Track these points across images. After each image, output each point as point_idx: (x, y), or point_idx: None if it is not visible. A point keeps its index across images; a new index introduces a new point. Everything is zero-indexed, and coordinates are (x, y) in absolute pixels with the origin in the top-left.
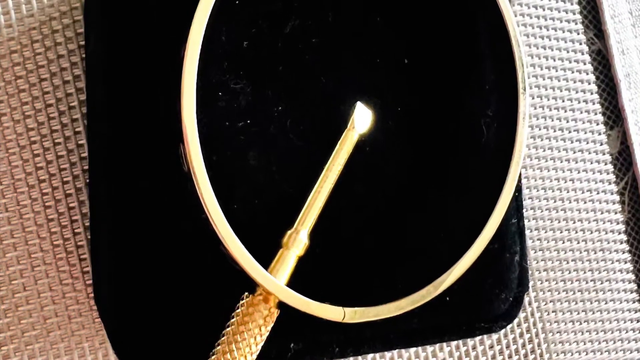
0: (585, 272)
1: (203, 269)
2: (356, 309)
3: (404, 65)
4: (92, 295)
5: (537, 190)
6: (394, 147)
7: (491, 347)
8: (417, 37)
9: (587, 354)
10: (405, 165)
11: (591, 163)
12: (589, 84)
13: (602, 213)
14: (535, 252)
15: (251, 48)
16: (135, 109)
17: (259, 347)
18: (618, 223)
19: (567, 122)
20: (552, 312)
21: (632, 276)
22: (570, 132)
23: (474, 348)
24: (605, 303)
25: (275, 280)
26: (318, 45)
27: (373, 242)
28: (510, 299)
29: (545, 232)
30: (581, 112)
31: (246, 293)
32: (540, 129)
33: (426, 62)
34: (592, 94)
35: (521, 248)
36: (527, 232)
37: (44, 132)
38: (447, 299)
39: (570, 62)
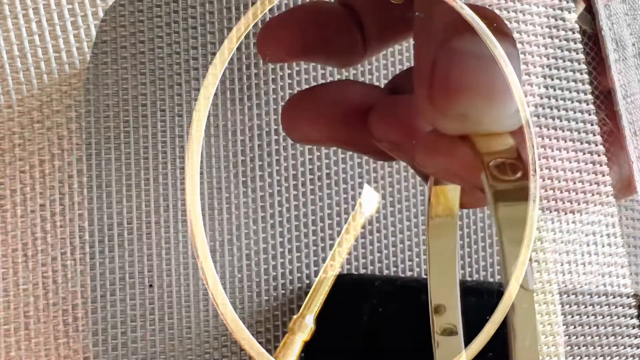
0: (597, 358)
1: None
2: None
3: None
4: None
5: (548, 275)
6: None
7: None
8: None
9: None
10: None
11: (602, 247)
12: (601, 165)
13: (614, 297)
14: (545, 337)
15: None
16: None
17: None
18: (630, 307)
19: (579, 204)
20: None
21: None
22: (581, 214)
23: None
24: None
25: None
26: None
27: None
28: None
29: (556, 316)
30: (592, 195)
31: None
32: (550, 212)
33: None
34: (604, 176)
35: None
36: (537, 316)
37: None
38: None
39: (582, 143)
